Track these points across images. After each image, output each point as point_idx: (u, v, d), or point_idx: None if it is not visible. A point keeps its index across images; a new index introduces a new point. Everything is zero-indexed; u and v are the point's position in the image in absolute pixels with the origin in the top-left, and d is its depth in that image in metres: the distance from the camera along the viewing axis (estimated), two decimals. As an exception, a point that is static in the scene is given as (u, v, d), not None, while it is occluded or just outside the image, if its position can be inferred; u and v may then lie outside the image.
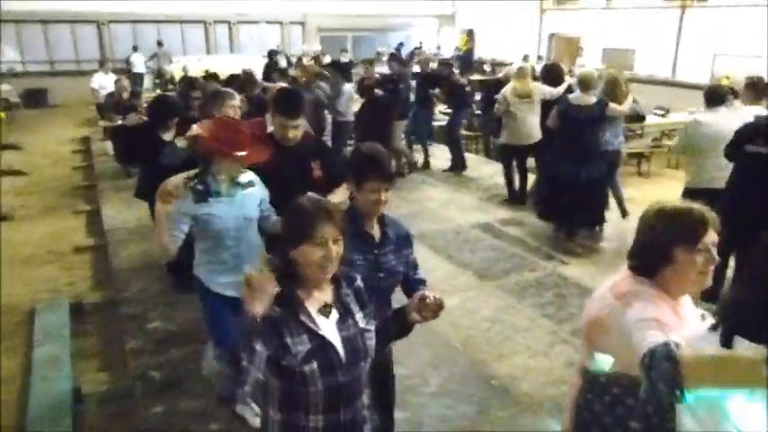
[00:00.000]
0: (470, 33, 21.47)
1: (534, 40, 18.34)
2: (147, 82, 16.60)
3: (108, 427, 3.64)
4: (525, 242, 6.29)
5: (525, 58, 13.75)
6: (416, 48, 18.19)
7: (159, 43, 17.58)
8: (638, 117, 9.47)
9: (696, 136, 5.08)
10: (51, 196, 8.41)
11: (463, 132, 10.49)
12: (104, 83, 11.59)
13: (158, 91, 13.52)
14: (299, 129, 3.31)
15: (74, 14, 17.55)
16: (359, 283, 2.00)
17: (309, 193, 2.44)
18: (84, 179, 9.31)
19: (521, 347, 4.29)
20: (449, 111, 9.66)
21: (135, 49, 17.17)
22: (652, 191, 8.10)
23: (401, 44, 19.30)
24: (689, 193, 5.07)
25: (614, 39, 15.45)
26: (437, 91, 9.07)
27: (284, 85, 7.07)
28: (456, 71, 13.76)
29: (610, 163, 6.28)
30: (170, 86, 12.72)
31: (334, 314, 1.86)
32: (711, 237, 1.76)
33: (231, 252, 3.03)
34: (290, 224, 1.85)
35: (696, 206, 1.81)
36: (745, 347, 1.42)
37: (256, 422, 2.97)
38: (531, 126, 7.01)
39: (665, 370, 1.35)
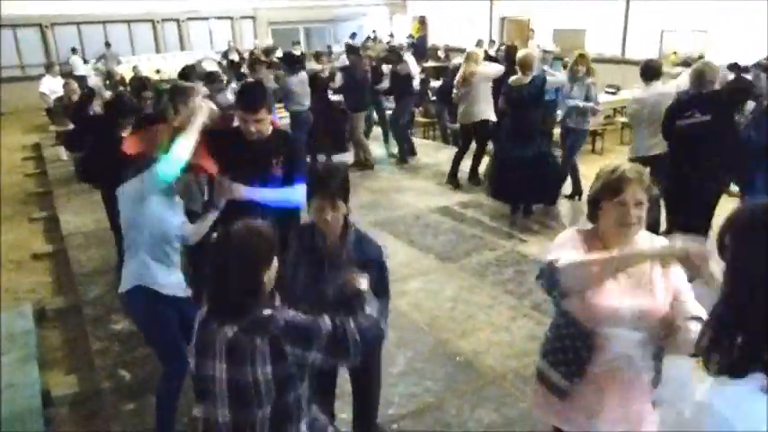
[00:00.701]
0: (423, 20, 21.57)
1: (486, 24, 18.53)
2: (93, 83, 16.14)
3: (80, 429, 3.66)
4: (484, 223, 6.45)
5: (479, 43, 13.91)
6: (369, 37, 18.15)
7: (107, 44, 17.15)
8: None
9: (637, 111, 5.37)
10: (5, 205, 8.21)
11: (420, 119, 10.61)
12: (53, 87, 11.29)
13: (109, 93, 13.21)
14: (262, 123, 3.24)
15: (16, 19, 16.96)
16: None
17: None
18: (37, 186, 9.14)
19: (483, 324, 4.44)
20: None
21: (74, 51, 16.59)
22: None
23: (354, 34, 19.25)
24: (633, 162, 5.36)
25: (564, 19, 15.70)
26: (383, 84, 9.14)
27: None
28: (408, 59, 13.86)
29: (574, 141, 6.55)
30: (120, 88, 12.44)
31: None
32: (633, 195, 1.93)
33: (173, 247, 3.09)
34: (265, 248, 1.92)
35: (626, 167, 1.98)
36: None
37: None
38: (475, 106, 7.25)
39: (548, 274, 1.95)
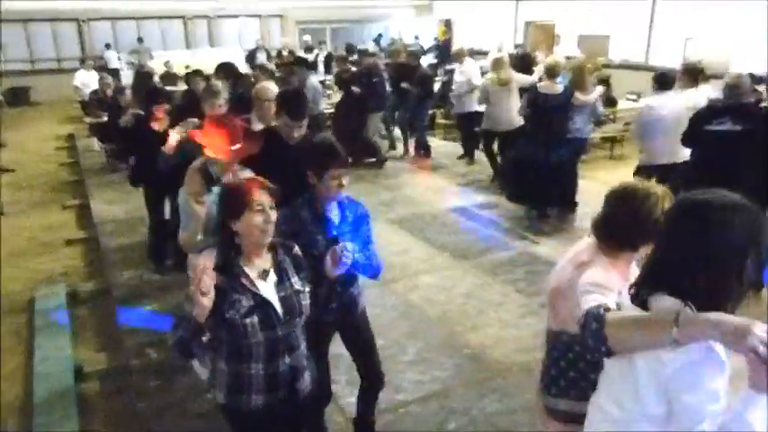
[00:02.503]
0: (448, 23, 21.64)
1: (511, 28, 18.57)
2: (125, 78, 16.65)
3: (109, 403, 3.90)
4: (499, 224, 6.58)
5: (500, 48, 14.01)
6: (393, 39, 18.42)
7: (139, 39, 17.63)
8: (609, 102, 9.82)
9: (650, 118, 5.48)
10: (40, 192, 8.59)
11: (441, 121, 10.76)
12: (87, 80, 11.68)
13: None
14: (302, 128, 3.50)
15: (54, 13, 17.59)
16: (296, 250, 2.30)
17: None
18: (70, 175, 9.49)
19: (493, 320, 4.58)
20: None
21: (108, 46, 17.49)
22: (623, 173, 8.40)
23: (380, 35, 19.48)
24: (643, 169, 5.45)
25: (589, 25, 15.68)
26: (405, 84, 9.32)
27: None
28: (435, 61, 14.03)
29: (576, 149, 6.62)
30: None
31: (273, 277, 2.17)
32: None
33: None
34: (229, 199, 2.12)
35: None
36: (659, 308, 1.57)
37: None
38: (511, 112, 7.32)
39: (594, 329, 1.56)
